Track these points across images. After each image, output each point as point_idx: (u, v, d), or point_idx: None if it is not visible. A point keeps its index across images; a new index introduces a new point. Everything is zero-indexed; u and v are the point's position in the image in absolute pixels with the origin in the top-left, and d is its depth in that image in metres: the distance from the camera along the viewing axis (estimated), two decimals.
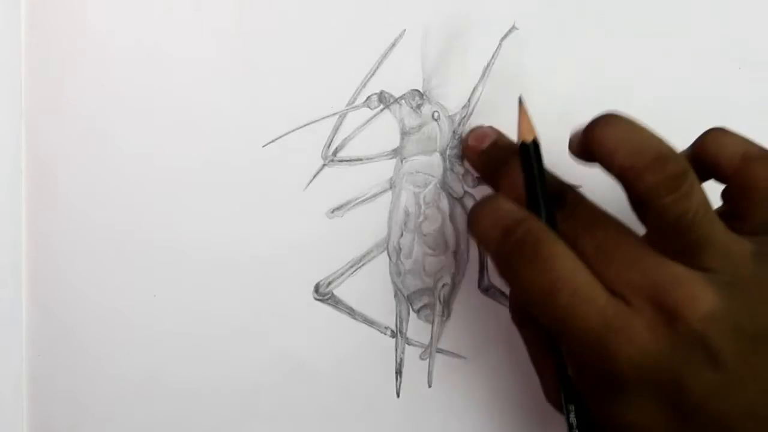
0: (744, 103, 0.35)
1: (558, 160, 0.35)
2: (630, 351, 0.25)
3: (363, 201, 0.36)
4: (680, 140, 0.35)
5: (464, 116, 0.35)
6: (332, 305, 0.36)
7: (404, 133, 0.36)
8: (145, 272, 0.36)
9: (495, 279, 0.36)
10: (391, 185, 0.36)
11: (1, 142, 0.35)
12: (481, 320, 0.36)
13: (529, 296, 0.26)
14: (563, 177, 0.35)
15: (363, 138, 0.36)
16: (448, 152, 0.36)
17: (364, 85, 0.35)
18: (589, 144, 0.27)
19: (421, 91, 0.35)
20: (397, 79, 0.35)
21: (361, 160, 0.36)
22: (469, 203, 0.36)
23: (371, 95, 0.35)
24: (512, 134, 0.35)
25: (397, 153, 0.36)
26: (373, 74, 0.35)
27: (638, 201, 0.27)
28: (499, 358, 0.36)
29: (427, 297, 0.36)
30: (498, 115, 0.35)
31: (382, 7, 0.35)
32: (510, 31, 0.35)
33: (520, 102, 0.29)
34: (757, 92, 0.35)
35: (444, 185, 0.36)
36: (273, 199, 0.36)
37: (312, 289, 0.36)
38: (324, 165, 0.36)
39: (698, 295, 0.25)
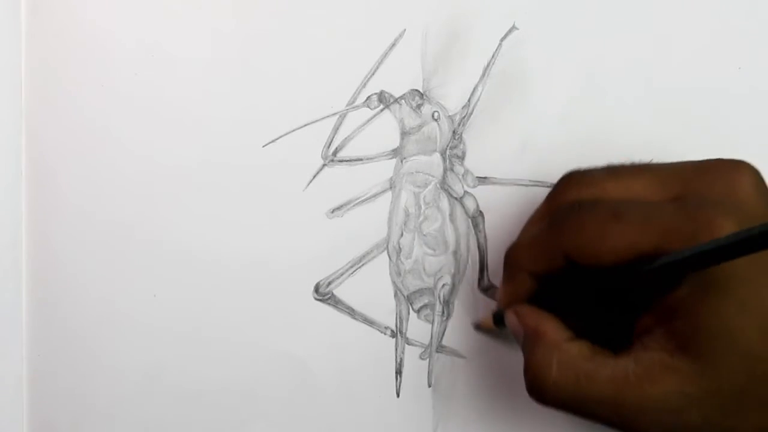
0: (744, 103, 0.35)
1: (558, 159, 0.35)
2: None
3: (363, 201, 0.36)
4: (680, 140, 0.35)
5: (464, 116, 0.35)
6: (332, 305, 0.36)
7: (404, 133, 0.36)
8: (145, 272, 0.36)
9: (495, 279, 0.36)
10: (391, 185, 0.36)
11: (1, 142, 0.35)
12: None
13: None
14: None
15: (363, 138, 0.36)
16: (448, 152, 0.36)
17: (364, 85, 0.35)
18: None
19: (421, 91, 0.35)
20: (397, 79, 0.35)
21: (361, 160, 0.36)
22: (469, 203, 0.36)
23: (371, 95, 0.35)
24: (512, 130, 0.35)
25: (397, 153, 0.36)
26: (373, 74, 0.35)
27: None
28: (499, 358, 0.36)
29: (427, 297, 0.36)
30: (498, 115, 0.35)
31: (382, 7, 0.35)
32: (510, 31, 0.35)
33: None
34: (757, 92, 0.35)
35: (444, 185, 0.36)
36: (273, 199, 0.36)
37: (312, 289, 0.36)
38: (324, 165, 0.36)
39: None
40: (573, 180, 0.30)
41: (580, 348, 0.28)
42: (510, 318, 0.31)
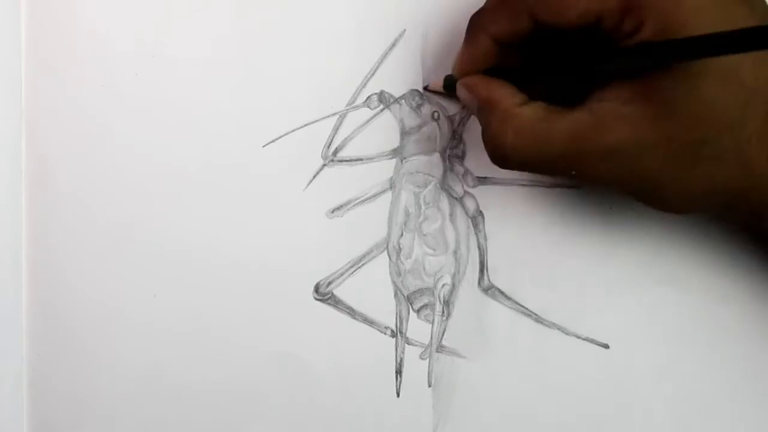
0: None
1: None
2: None
3: (363, 201, 0.36)
4: None
5: (464, 116, 0.35)
6: (332, 305, 0.36)
7: (404, 133, 0.36)
8: (145, 272, 0.36)
9: (495, 279, 0.36)
10: (391, 185, 0.36)
11: (1, 142, 0.35)
12: (481, 320, 0.36)
13: None
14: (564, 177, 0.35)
15: (363, 138, 0.36)
16: (448, 152, 0.36)
17: (364, 85, 0.35)
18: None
19: (421, 91, 0.35)
20: (397, 79, 0.35)
21: (361, 160, 0.36)
22: (469, 203, 0.36)
23: (371, 95, 0.35)
24: None
25: (397, 153, 0.36)
26: (373, 74, 0.35)
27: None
28: (499, 358, 0.36)
29: (427, 297, 0.36)
30: None
31: (382, 7, 0.35)
32: None
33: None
34: None
35: (444, 185, 0.36)
36: (273, 199, 0.36)
37: (312, 289, 0.36)
38: (324, 165, 0.36)
39: None
40: None
41: (534, 110, 0.28)
42: (461, 91, 0.31)
